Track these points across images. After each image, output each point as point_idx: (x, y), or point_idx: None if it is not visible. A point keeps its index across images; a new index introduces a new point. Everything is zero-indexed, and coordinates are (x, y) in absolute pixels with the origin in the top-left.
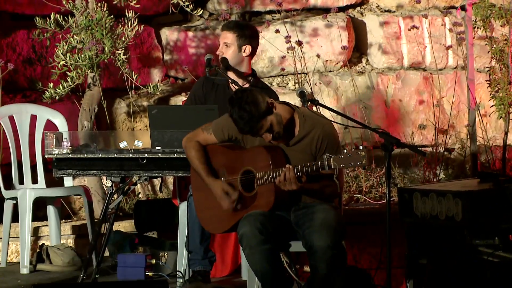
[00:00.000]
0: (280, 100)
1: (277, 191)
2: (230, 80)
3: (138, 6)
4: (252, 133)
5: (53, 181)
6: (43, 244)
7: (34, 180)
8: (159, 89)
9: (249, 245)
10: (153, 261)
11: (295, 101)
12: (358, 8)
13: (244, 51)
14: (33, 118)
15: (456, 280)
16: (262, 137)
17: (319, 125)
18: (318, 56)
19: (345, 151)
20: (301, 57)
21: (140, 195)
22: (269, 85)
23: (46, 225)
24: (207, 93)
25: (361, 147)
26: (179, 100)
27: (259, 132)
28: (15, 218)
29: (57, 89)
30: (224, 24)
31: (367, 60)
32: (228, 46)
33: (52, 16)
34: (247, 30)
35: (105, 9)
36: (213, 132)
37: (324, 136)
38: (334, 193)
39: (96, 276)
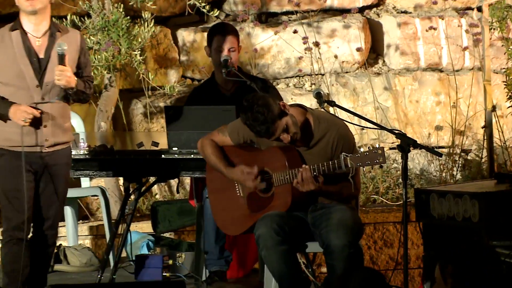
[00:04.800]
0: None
1: (294, 191)
2: (248, 82)
3: (154, 7)
4: (269, 135)
5: (70, 182)
6: (61, 244)
7: None
8: (176, 90)
9: (266, 246)
10: (170, 261)
11: (312, 102)
12: (375, 9)
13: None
14: None
15: (473, 281)
16: (280, 138)
17: (334, 127)
18: (335, 57)
19: (362, 150)
20: (318, 58)
21: (157, 196)
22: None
23: (64, 226)
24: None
25: (377, 146)
26: None
27: (276, 133)
28: None
29: None
30: (221, 28)
31: (384, 61)
32: (234, 50)
33: (68, 17)
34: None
35: (121, 10)
36: (229, 135)
37: (339, 138)
38: (351, 194)
39: (114, 276)
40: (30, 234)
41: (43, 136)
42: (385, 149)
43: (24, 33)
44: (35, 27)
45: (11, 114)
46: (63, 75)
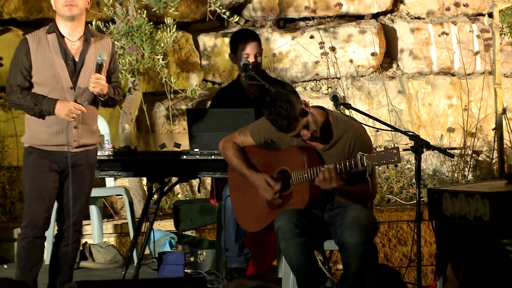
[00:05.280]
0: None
1: (311, 190)
2: (267, 86)
3: (176, 13)
4: (290, 129)
5: (95, 182)
6: (86, 242)
7: None
8: (197, 93)
9: (284, 238)
10: (192, 259)
11: (328, 105)
12: (389, 15)
13: None
14: None
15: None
16: (300, 134)
17: (351, 128)
18: (350, 61)
19: (377, 149)
20: (334, 62)
21: (179, 195)
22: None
23: (89, 224)
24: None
25: (393, 145)
26: None
27: (296, 129)
28: None
29: None
30: (244, 35)
31: (398, 65)
32: (260, 55)
33: (94, 23)
34: None
35: (144, 16)
36: (250, 134)
37: (356, 139)
38: (369, 195)
39: (137, 273)
40: (55, 232)
41: (72, 137)
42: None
43: (60, 36)
44: (71, 31)
45: (58, 110)
46: (98, 83)
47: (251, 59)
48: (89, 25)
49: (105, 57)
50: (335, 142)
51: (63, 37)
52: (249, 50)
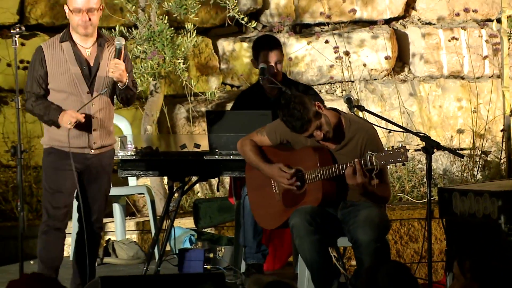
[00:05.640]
0: (327, 106)
1: (324, 188)
2: (283, 88)
3: (196, 19)
4: (303, 130)
5: (118, 181)
6: (109, 239)
7: None
8: (216, 96)
9: (299, 235)
10: (211, 255)
11: (343, 107)
12: (401, 20)
13: None
14: None
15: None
16: (313, 135)
17: (363, 129)
18: (364, 65)
19: (386, 149)
20: (348, 66)
21: (198, 194)
22: (310, 85)
23: (112, 222)
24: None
25: (400, 145)
26: None
27: (309, 129)
28: None
29: None
30: (266, 43)
31: (409, 69)
32: (280, 63)
33: (117, 28)
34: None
35: (166, 22)
36: (267, 135)
37: (367, 140)
38: (385, 196)
39: (158, 268)
40: (77, 229)
41: (92, 139)
42: (410, 150)
43: (74, 44)
44: (85, 39)
45: (60, 119)
46: (117, 68)
47: (274, 68)
48: (113, 30)
49: (123, 41)
50: (347, 142)
51: (76, 44)
52: (270, 58)
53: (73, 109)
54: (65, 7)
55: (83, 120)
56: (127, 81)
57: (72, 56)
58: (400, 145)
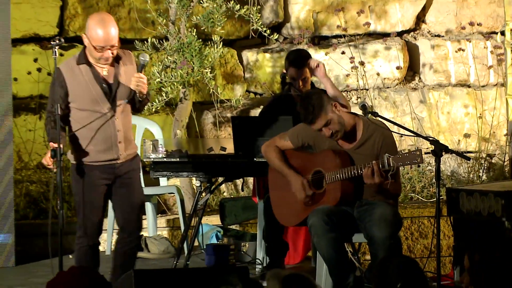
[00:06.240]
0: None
1: (343, 188)
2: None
3: (222, 31)
4: (309, 121)
5: (150, 181)
6: (142, 235)
7: None
8: (241, 103)
9: (316, 233)
10: (236, 250)
11: (358, 113)
12: (412, 33)
13: None
14: (134, 127)
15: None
16: (322, 130)
17: (380, 130)
18: (377, 74)
19: (402, 151)
20: (363, 75)
21: (224, 193)
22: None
23: (145, 219)
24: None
25: (416, 148)
26: (257, 111)
27: (317, 122)
28: None
29: (153, 102)
30: (296, 60)
31: (420, 78)
32: (306, 80)
33: (149, 40)
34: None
35: (194, 34)
36: (289, 139)
37: (384, 140)
38: (396, 192)
39: (187, 262)
40: (115, 237)
41: (118, 151)
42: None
43: (91, 66)
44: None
45: (48, 147)
46: (142, 82)
47: (299, 83)
48: (145, 42)
49: (148, 58)
50: (364, 142)
51: (94, 65)
52: (296, 75)
53: (97, 125)
54: (84, 37)
55: (49, 164)
56: (147, 93)
57: (91, 77)
58: (416, 148)
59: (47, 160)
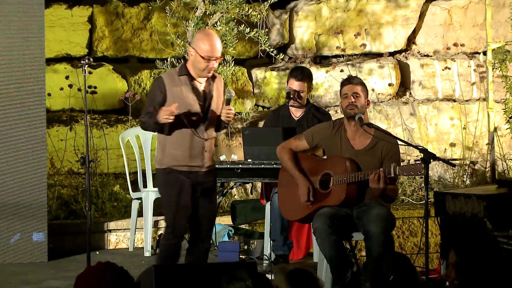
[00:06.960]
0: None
1: (348, 191)
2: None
3: (234, 52)
4: (357, 83)
5: None
6: (161, 233)
7: (155, 184)
8: (250, 115)
9: (320, 236)
10: (245, 247)
11: None
12: (403, 53)
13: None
14: (154, 137)
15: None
16: (348, 95)
17: (388, 139)
18: (372, 90)
19: (407, 162)
20: None
21: (235, 196)
22: (327, 111)
23: (163, 219)
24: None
25: (419, 160)
26: None
27: (357, 87)
28: (140, 213)
29: None
30: (295, 74)
31: (410, 93)
32: (302, 92)
33: (168, 59)
34: (311, 76)
35: None
36: (305, 138)
37: (391, 148)
38: (394, 197)
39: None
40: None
41: (204, 160)
42: (411, 160)
43: (191, 78)
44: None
45: (158, 118)
46: (230, 114)
47: (295, 94)
48: (165, 61)
49: (233, 93)
50: (373, 146)
51: (194, 79)
52: (293, 86)
53: (190, 136)
54: (191, 49)
55: (176, 110)
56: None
57: (190, 88)
58: (420, 160)
59: (171, 109)
